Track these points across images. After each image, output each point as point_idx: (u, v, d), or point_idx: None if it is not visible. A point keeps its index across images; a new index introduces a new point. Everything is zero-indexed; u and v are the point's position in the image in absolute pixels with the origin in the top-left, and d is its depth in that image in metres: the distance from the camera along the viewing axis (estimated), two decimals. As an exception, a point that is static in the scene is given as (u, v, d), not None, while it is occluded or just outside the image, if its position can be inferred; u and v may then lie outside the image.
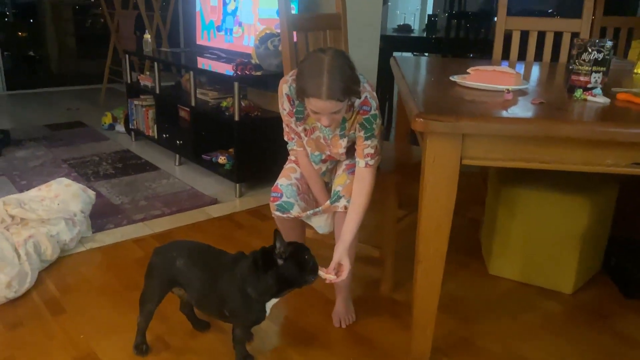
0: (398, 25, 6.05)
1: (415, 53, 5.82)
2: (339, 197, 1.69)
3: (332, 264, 1.59)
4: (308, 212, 1.75)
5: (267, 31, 3.04)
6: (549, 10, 5.93)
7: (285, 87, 1.67)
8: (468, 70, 1.78)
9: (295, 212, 1.73)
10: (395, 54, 5.42)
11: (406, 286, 2.05)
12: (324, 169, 1.81)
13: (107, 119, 4.28)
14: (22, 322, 1.77)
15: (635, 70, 2.15)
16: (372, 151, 1.63)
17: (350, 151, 1.74)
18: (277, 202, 1.73)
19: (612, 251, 2.20)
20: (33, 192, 2.35)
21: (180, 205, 2.78)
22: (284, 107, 1.70)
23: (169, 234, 2.45)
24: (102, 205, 2.66)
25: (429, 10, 7.89)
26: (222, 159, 3.12)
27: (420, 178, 1.42)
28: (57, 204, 2.27)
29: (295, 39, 2.00)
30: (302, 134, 1.74)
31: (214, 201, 2.86)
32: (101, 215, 2.56)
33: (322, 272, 1.55)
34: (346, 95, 1.48)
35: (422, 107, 1.36)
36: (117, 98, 5.39)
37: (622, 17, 3.39)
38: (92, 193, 2.44)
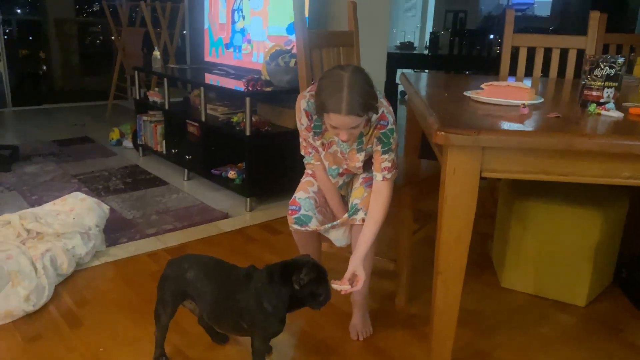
0: (400, 43, 6.13)
1: (416, 70, 5.91)
2: (357, 210, 1.72)
3: (347, 274, 1.61)
4: (326, 226, 1.77)
5: (277, 48, 3.09)
6: (551, 29, 6.03)
7: (303, 102, 1.70)
8: (482, 86, 1.82)
9: (313, 225, 1.75)
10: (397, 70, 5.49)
11: (421, 298, 2.07)
12: (340, 182, 1.84)
13: (115, 135, 4.31)
14: (41, 335, 1.78)
15: (641, 86, 2.19)
16: (389, 165, 1.66)
17: (367, 164, 1.77)
18: (295, 215, 1.76)
19: (623, 264, 2.22)
20: (48, 206, 2.36)
21: (192, 219, 2.80)
22: (302, 122, 1.73)
23: (182, 248, 2.47)
24: (115, 220, 2.67)
25: (429, 28, 8.01)
26: (232, 174, 3.15)
27: (440, 190, 1.45)
28: (72, 218, 2.29)
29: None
30: (320, 148, 1.77)
31: (225, 215, 2.88)
32: (114, 230, 2.57)
33: (336, 285, 1.57)
34: (365, 111, 1.51)
35: (442, 122, 1.39)
36: (123, 114, 5.44)
37: (624, 34, 3.45)
38: (106, 207, 2.46)
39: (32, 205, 2.77)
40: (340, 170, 1.80)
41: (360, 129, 1.59)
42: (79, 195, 2.43)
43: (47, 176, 3.43)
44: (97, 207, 2.40)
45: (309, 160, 1.83)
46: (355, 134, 1.60)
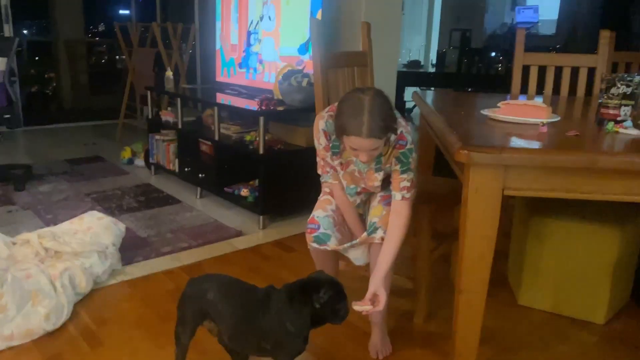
0: (408, 61, 6.19)
1: (422, 87, 5.96)
2: (376, 229, 1.73)
3: (368, 295, 1.61)
4: (345, 245, 1.78)
5: (289, 68, 3.13)
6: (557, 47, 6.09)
7: (322, 122, 1.72)
8: (498, 104, 1.84)
9: (332, 244, 1.76)
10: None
11: (439, 316, 2.07)
12: (358, 201, 1.85)
13: (127, 154, 4.35)
14: (62, 354, 1.79)
15: (654, 104, 2.21)
16: (409, 184, 1.67)
17: (385, 182, 1.78)
18: (315, 234, 1.76)
19: (641, 281, 2.22)
20: (66, 225, 2.38)
21: (206, 237, 2.81)
22: (320, 142, 1.75)
23: (198, 266, 2.48)
24: (130, 238, 2.68)
25: (434, 47, 8.09)
26: (244, 192, 3.17)
27: (462, 209, 1.46)
28: (89, 236, 2.30)
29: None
30: (338, 168, 1.78)
31: (239, 233, 2.89)
32: (129, 248, 2.58)
33: (358, 306, 1.57)
34: (385, 133, 1.53)
35: (464, 140, 1.41)
36: (133, 133, 5.48)
37: (633, 52, 3.48)
38: (122, 226, 2.48)
39: (48, 224, 2.79)
40: (358, 189, 1.82)
41: (380, 149, 1.61)
42: (96, 214, 2.45)
43: (61, 195, 3.45)
44: (114, 226, 2.42)
45: (327, 180, 1.84)
46: (374, 155, 1.61)
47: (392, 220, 1.69)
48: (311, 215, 1.81)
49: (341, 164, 1.78)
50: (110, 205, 3.29)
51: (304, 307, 1.48)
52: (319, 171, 1.84)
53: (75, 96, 7.48)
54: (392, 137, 1.65)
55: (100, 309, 2.08)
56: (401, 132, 1.64)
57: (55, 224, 2.59)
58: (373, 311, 1.61)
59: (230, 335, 1.57)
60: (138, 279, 2.34)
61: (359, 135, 1.50)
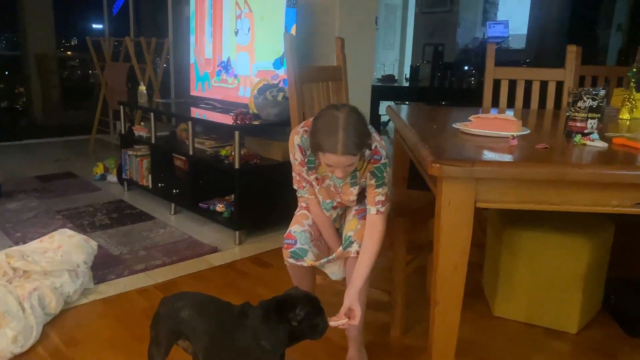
0: (383, 76, 6.26)
1: (397, 102, 6.02)
2: (351, 243, 1.73)
3: (343, 309, 1.61)
4: (322, 261, 1.77)
5: (264, 82, 3.14)
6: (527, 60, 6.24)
7: (297, 138, 1.72)
8: (470, 118, 1.87)
9: (309, 259, 1.75)
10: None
11: (416, 329, 2.07)
12: (334, 215, 1.85)
13: (99, 169, 4.28)
14: (30, 377, 1.73)
15: (620, 116, 2.27)
16: (383, 198, 1.68)
17: (360, 196, 1.79)
18: (291, 249, 1.76)
19: (611, 290, 2.26)
20: (35, 244, 2.32)
21: (180, 254, 2.77)
22: (296, 157, 1.75)
23: (173, 283, 2.44)
24: (102, 256, 2.63)
25: (407, 61, 8.20)
26: (220, 207, 3.14)
27: (435, 221, 1.47)
28: (60, 255, 2.25)
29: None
30: (314, 183, 1.78)
31: (214, 249, 2.86)
32: (102, 266, 2.53)
33: (333, 322, 1.56)
34: (360, 149, 1.55)
35: (436, 154, 1.42)
36: (106, 148, 5.41)
37: (599, 66, 3.59)
38: (94, 244, 2.43)
39: (17, 243, 2.72)
40: (334, 204, 1.82)
41: (355, 165, 1.62)
42: (67, 231, 2.40)
43: (31, 213, 3.37)
44: (86, 244, 2.37)
45: (303, 194, 1.84)
46: (349, 170, 1.62)
47: (366, 233, 1.70)
48: (288, 231, 1.80)
49: (317, 178, 1.78)
50: (82, 222, 3.22)
51: (280, 325, 1.46)
52: (295, 186, 1.84)
53: (47, 111, 7.35)
54: (367, 152, 1.66)
55: (71, 330, 2.03)
56: (375, 146, 1.65)
57: (24, 242, 2.53)
58: (348, 325, 1.60)
59: (205, 355, 1.54)
60: (111, 297, 2.29)
61: (334, 153, 1.51)
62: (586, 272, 2.02)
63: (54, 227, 3.01)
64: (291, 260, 1.76)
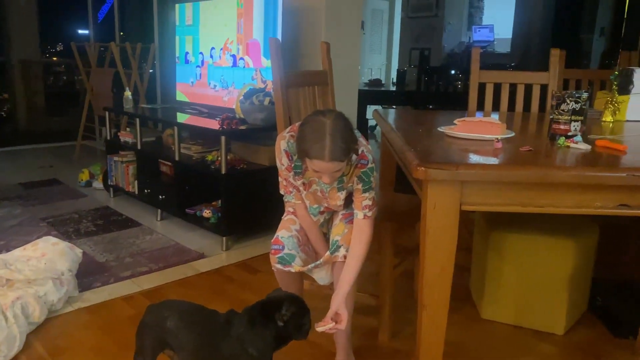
0: (369, 80, 6.28)
1: (384, 105, 6.04)
2: (338, 247, 1.72)
3: (330, 313, 1.60)
4: (309, 266, 1.76)
5: (250, 86, 3.13)
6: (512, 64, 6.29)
7: (283, 143, 1.72)
8: (455, 121, 1.87)
9: (297, 265, 1.74)
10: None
11: (404, 333, 2.07)
12: (322, 220, 1.85)
13: (84, 176, 4.24)
14: (13, 388, 1.70)
15: (603, 119, 2.30)
16: (370, 203, 1.68)
17: (347, 200, 1.78)
18: (279, 255, 1.74)
19: (596, 292, 2.28)
20: (18, 252, 2.28)
21: (167, 260, 2.75)
22: (282, 162, 1.75)
23: (159, 290, 2.41)
24: (87, 264, 2.60)
25: (394, 65, 8.24)
26: (207, 213, 3.12)
27: (421, 225, 1.47)
28: (44, 263, 2.22)
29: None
30: (301, 188, 1.78)
31: (201, 256, 2.84)
32: (87, 274, 2.50)
33: (320, 327, 1.56)
34: (346, 155, 1.55)
35: (422, 157, 1.43)
36: (91, 155, 5.36)
37: (582, 70, 3.63)
38: (79, 251, 2.40)
39: (0, 251, 2.67)
40: (321, 209, 1.82)
41: (342, 171, 1.62)
42: (51, 239, 2.37)
43: (14, 220, 3.32)
44: (70, 251, 2.34)
45: (290, 199, 1.83)
46: (337, 176, 1.63)
47: (354, 238, 1.69)
48: (275, 236, 1.79)
49: (304, 183, 1.77)
50: (66, 229, 3.19)
51: (266, 329, 1.46)
52: (282, 191, 1.84)
53: (31, 117, 7.27)
54: (354, 157, 1.66)
55: (56, 339, 2.00)
56: (362, 151, 1.66)
57: (7, 250, 2.49)
58: (336, 330, 1.60)
59: None
60: (96, 305, 2.27)
61: (321, 159, 1.51)
62: (572, 274, 2.04)
63: (38, 234, 2.97)
64: (279, 266, 1.75)
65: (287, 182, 1.79)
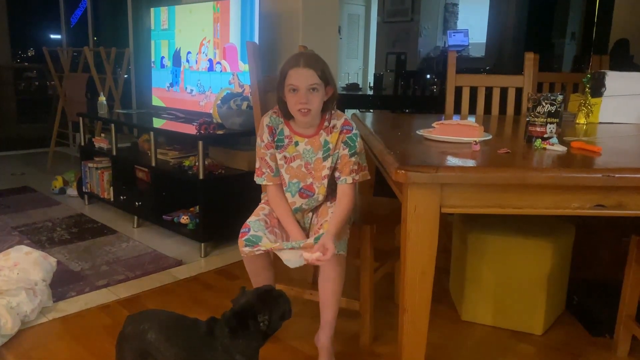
0: (347, 84, 6.30)
1: (361, 110, 6.06)
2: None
3: (317, 247, 1.62)
4: (284, 244, 1.74)
5: (227, 91, 3.11)
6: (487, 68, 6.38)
7: (267, 118, 1.79)
8: (433, 125, 1.88)
9: (264, 244, 1.71)
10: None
11: (385, 337, 2.07)
12: (298, 204, 1.83)
13: (58, 183, 4.15)
14: (-16, 403, 1.64)
15: (577, 121, 2.34)
16: (357, 167, 1.77)
17: (330, 189, 1.82)
18: (245, 237, 1.74)
19: (574, 291, 2.31)
20: (-11, 262, 2.22)
21: (144, 268, 2.70)
22: (263, 139, 1.79)
23: (137, 299, 2.37)
24: (61, 273, 2.54)
25: (371, 70, 8.29)
26: (184, 219, 3.08)
27: (402, 228, 1.47)
28: (16, 273, 2.16)
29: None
30: (282, 162, 1.79)
31: (179, 262, 2.80)
32: (61, 283, 2.44)
33: (307, 255, 1.60)
34: (322, 74, 1.65)
35: (401, 160, 1.43)
36: (65, 161, 5.25)
37: (555, 73, 3.70)
38: (53, 260, 2.34)
39: (-31, 262, 2.59)
40: (301, 186, 1.81)
41: (319, 101, 1.67)
42: (24, 248, 2.30)
43: (-15, 229, 3.24)
44: (44, 261, 2.28)
45: (261, 182, 1.82)
46: (313, 101, 1.66)
47: (338, 200, 1.77)
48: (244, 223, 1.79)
49: (286, 157, 1.79)
50: (40, 238, 3.11)
51: (249, 334, 1.44)
52: (256, 175, 1.83)
53: (2, 124, 7.09)
54: (338, 124, 1.75)
55: (29, 351, 1.94)
56: (345, 119, 1.77)
57: (-22, 261, 2.41)
58: (321, 262, 1.62)
59: None
60: (71, 315, 2.21)
61: (296, 66, 1.63)
62: (549, 274, 2.06)
63: (10, 243, 2.89)
64: (246, 249, 1.73)
65: (261, 162, 1.80)
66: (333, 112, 1.78)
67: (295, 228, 1.82)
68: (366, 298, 1.99)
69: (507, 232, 2.10)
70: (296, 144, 1.79)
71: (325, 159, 1.78)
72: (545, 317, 2.11)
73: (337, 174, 1.78)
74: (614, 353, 1.99)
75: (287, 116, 1.75)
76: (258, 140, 1.80)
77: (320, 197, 1.83)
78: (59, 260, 2.68)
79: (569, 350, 2.02)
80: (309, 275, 2.49)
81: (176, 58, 3.72)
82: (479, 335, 2.12)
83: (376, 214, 2.15)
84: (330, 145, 1.76)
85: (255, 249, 1.73)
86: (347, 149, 1.75)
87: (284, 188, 1.84)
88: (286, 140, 1.78)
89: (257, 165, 1.83)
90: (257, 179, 1.83)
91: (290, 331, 1.61)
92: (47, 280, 2.27)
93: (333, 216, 1.74)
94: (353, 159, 1.75)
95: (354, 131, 1.76)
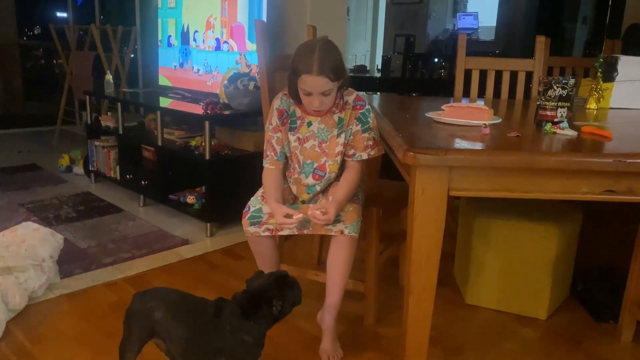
0: (354, 66, 6.25)
1: (368, 92, 6.02)
2: (337, 221, 1.71)
3: (319, 206, 1.67)
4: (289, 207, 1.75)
5: (234, 71, 3.09)
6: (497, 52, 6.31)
7: (278, 101, 1.77)
8: (442, 107, 1.86)
9: (265, 218, 1.74)
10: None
11: (389, 319, 2.08)
12: (311, 184, 1.84)
13: (64, 161, 4.16)
14: (-7, 376, 1.67)
15: (587, 106, 2.31)
16: (372, 142, 1.77)
17: (342, 168, 1.82)
18: (247, 215, 1.76)
19: (579, 277, 2.31)
20: (-3, 238, 2.23)
21: (150, 247, 2.71)
22: (272, 122, 1.77)
23: (142, 277, 2.39)
24: (68, 250, 2.55)
25: (379, 52, 8.20)
26: (190, 199, 3.09)
27: (409, 210, 1.46)
28: (24, 249, 2.17)
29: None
30: (296, 144, 1.79)
31: (185, 242, 2.81)
32: (68, 261, 2.46)
33: (310, 211, 1.63)
34: (335, 76, 1.61)
35: (410, 142, 1.42)
36: (71, 140, 5.27)
37: (566, 57, 3.65)
38: (60, 237, 2.35)
39: (-23, 238, 2.61)
40: (315, 166, 1.81)
41: (332, 98, 1.67)
42: (31, 225, 2.32)
43: (-8, 206, 3.26)
44: (51, 238, 2.29)
45: (264, 164, 1.82)
46: (326, 103, 1.66)
47: (347, 171, 1.78)
48: None
49: (299, 139, 1.79)
50: (47, 215, 3.13)
51: (260, 318, 1.45)
52: (263, 158, 1.84)
53: (8, 102, 7.09)
54: (350, 99, 1.75)
55: (36, 326, 1.96)
56: (357, 94, 1.76)
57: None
58: (316, 218, 1.64)
59: (181, 356, 1.50)
60: (77, 292, 2.23)
61: (310, 73, 1.57)
62: (555, 260, 2.06)
63: (17, 220, 2.89)
64: (251, 229, 1.75)
65: (267, 145, 1.80)
66: (344, 89, 1.76)
67: (277, 207, 1.72)
68: (371, 280, 1.99)
69: (513, 217, 2.10)
70: (309, 124, 1.78)
71: (339, 135, 1.77)
72: (550, 302, 2.11)
73: (351, 151, 1.78)
74: (617, 338, 1.99)
75: (298, 99, 1.72)
76: (267, 123, 1.79)
77: (333, 176, 1.82)
78: (65, 237, 2.70)
79: (572, 335, 2.02)
80: (315, 256, 2.49)
81: (184, 37, 3.69)
82: (483, 318, 2.13)
83: (382, 197, 2.14)
84: (344, 122, 1.76)
85: (260, 228, 1.73)
86: (360, 125, 1.75)
87: (298, 169, 1.83)
88: (299, 122, 1.77)
89: (264, 150, 1.82)
90: (263, 162, 1.83)
91: (294, 311, 1.61)
92: (55, 257, 2.28)
93: (339, 187, 1.75)
94: (366, 134, 1.75)
95: (367, 107, 1.76)
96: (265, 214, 1.75)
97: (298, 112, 1.78)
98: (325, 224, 1.72)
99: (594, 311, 2.16)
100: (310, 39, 1.70)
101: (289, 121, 1.77)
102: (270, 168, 1.81)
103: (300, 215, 1.65)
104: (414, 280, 1.50)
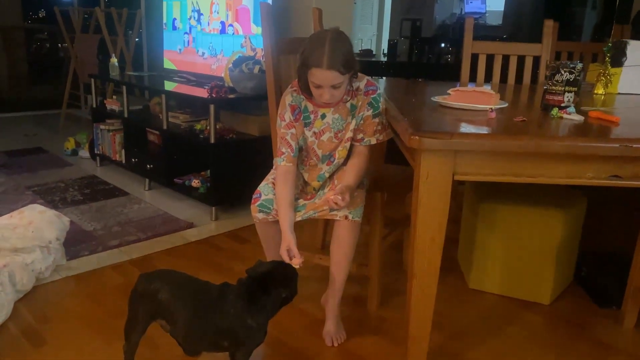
0: (360, 50, 6.21)
1: (374, 76, 5.99)
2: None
3: (337, 190, 1.67)
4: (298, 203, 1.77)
5: (240, 54, 3.07)
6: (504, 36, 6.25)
7: (289, 97, 1.75)
8: (448, 91, 1.85)
9: (274, 213, 1.75)
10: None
11: (392, 303, 2.09)
12: (323, 170, 1.84)
13: (70, 145, 4.17)
14: (2, 355, 1.69)
15: (595, 91, 2.29)
16: (381, 127, 1.77)
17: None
18: (258, 203, 1.76)
19: (583, 263, 2.31)
20: (4, 220, 2.25)
21: (156, 230, 2.73)
22: (284, 118, 1.75)
23: (148, 259, 2.40)
24: (74, 232, 2.57)
25: (385, 36, 8.13)
26: (195, 182, 3.10)
27: (413, 194, 1.46)
28: (31, 231, 2.19)
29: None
30: (313, 139, 1.79)
31: (190, 225, 2.83)
32: (74, 243, 2.48)
33: (332, 195, 1.64)
34: (346, 69, 1.58)
35: (416, 126, 1.41)
36: (77, 123, 5.27)
37: (574, 42, 3.61)
38: (66, 219, 2.37)
39: (-15, 219, 2.64)
40: (332, 154, 1.83)
41: (343, 91, 1.66)
42: (38, 207, 2.33)
43: (-1, 188, 3.28)
44: (58, 220, 2.31)
45: (280, 162, 1.76)
46: (336, 95, 1.65)
47: (355, 156, 1.79)
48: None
49: (315, 133, 1.78)
50: (53, 198, 3.15)
51: (264, 303, 1.46)
52: (275, 156, 1.82)
53: (13, 85, 7.11)
54: (362, 85, 1.74)
55: (43, 307, 1.99)
56: (368, 79, 1.76)
57: (-6, 218, 2.45)
58: (336, 202, 1.64)
59: (184, 338, 1.52)
60: (84, 273, 2.25)
61: (320, 67, 1.55)
62: (559, 245, 2.06)
63: (23, 203, 2.92)
64: (260, 215, 1.76)
65: (282, 142, 1.76)
66: (354, 77, 1.73)
67: (285, 220, 1.69)
68: (375, 263, 2.00)
69: (518, 202, 2.09)
70: (323, 116, 1.76)
71: (352, 117, 1.77)
72: (553, 288, 2.12)
73: (359, 135, 1.78)
74: (620, 324, 2.00)
75: (308, 91, 1.69)
76: (278, 120, 1.75)
77: (341, 161, 1.83)
78: (71, 220, 2.72)
79: (575, 321, 2.03)
80: (319, 240, 2.50)
81: (188, 20, 3.67)
82: (486, 303, 2.14)
83: (387, 182, 2.14)
84: (357, 108, 1.76)
85: (270, 217, 1.74)
86: (371, 110, 1.75)
87: (316, 161, 1.83)
88: (312, 116, 1.76)
89: (277, 146, 1.79)
90: (277, 160, 1.77)
91: (298, 294, 1.63)
92: (61, 239, 2.30)
93: (348, 173, 1.76)
94: (377, 119, 1.75)
95: (378, 91, 1.75)
96: (275, 209, 1.75)
97: (310, 107, 1.76)
98: (331, 209, 1.72)
99: (597, 297, 2.16)
100: (321, 30, 1.66)
101: (302, 117, 1.76)
102: (287, 166, 1.74)
103: (299, 262, 1.62)
104: (418, 264, 1.50)
